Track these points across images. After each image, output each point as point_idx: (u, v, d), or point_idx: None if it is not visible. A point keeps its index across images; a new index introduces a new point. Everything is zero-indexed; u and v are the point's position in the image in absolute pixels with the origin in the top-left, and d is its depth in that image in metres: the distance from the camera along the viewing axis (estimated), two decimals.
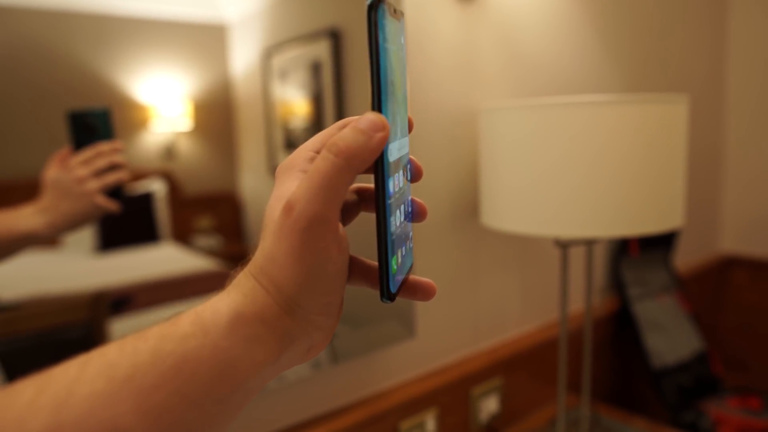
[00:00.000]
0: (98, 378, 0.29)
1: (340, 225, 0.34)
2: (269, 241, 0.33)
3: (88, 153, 0.75)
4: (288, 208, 0.32)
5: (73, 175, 0.73)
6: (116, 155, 0.76)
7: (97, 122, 0.76)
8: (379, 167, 0.33)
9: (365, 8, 0.31)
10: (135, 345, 0.31)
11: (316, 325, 0.35)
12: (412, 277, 0.39)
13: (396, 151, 0.35)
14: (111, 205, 0.75)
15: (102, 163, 0.75)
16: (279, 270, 0.33)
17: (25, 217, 0.71)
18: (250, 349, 0.32)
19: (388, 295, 0.34)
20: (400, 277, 0.36)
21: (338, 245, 0.33)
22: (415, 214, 0.41)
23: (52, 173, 0.73)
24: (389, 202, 0.33)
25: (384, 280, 0.34)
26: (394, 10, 0.34)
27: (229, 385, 0.32)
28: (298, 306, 0.33)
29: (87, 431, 0.28)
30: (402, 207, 0.37)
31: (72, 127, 0.74)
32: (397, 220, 0.35)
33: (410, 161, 0.40)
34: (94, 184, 0.74)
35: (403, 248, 0.38)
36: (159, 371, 0.30)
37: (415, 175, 0.41)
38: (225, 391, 0.32)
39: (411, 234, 0.40)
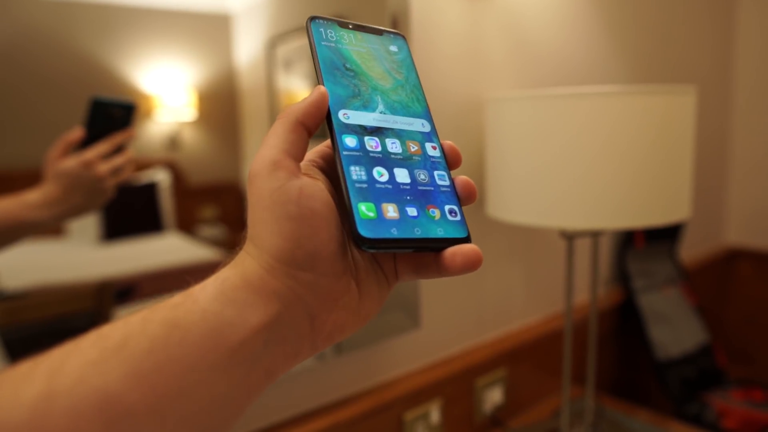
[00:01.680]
0: (91, 348, 0.29)
1: (308, 176, 0.35)
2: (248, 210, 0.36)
3: (105, 146, 0.72)
4: (249, 171, 0.35)
5: (94, 172, 0.71)
6: (130, 151, 0.74)
7: (119, 114, 0.74)
8: (329, 125, 0.38)
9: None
10: (127, 319, 0.31)
11: (303, 283, 0.33)
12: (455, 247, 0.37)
13: (368, 119, 0.39)
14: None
15: (121, 161, 0.73)
16: (254, 228, 0.34)
17: (31, 207, 0.70)
18: (239, 312, 0.32)
19: (357, 238, 0.34)
20: (394, 231, 0.35)
21: (298, 190, 0.34)
22: (462, 195, 0.39)
23: (66, 165, 0.70)
24: (345, 153, 0.36)
25: (352, 224, 0.34)
26: (353, 25, 0.42)
27: (223, 351, 0.31)
28: (276, 260, 0.33)
29: (79, 398, 0.27)
30: (404, 170, 0.38)
31: (92, 113, 0.72)
32: (377, 174, 0.37)
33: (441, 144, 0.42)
34: (112, 181, 0.73)
35: (413, 208, 0.37)
36: (149, 337, 0.30)
37: (449, 156, 0.41)
38: (220, 357, 0.31)
39: (450, 206, 0.39)
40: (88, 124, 0.72)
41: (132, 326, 0.30)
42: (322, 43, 0.40)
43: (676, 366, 1.64)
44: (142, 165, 0.80)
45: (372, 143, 0.38)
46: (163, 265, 0.83)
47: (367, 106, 0.39)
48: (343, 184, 0.36)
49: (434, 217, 0.37)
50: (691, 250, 1.98)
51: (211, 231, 0.87)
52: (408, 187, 0.38)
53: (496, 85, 1.23)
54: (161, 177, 0.84)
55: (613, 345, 1.69)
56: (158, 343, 0.30)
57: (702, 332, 1.75)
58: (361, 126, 0.38)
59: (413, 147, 0.39)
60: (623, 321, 1.70)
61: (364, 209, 0.35)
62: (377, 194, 0.36)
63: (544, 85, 1.34)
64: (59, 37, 0.73)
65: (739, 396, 1.65)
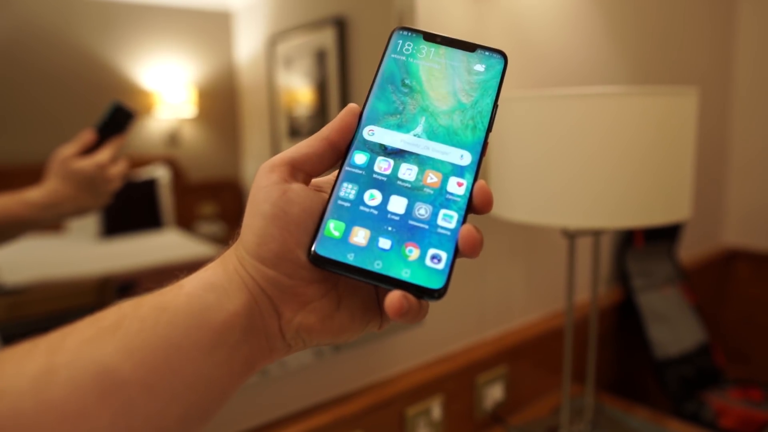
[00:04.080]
0: (88, 327, 0.31)
1: (300, 185, 0.35)
2: None
3: (114, 149, 0.70)
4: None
5: (106, 174, 0.69)
6: (124, 156, 0.73)
7: (122, 120, 0.72)
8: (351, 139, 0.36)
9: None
10: (119, 305, 0.33)
11: (266, 278, 0.34)
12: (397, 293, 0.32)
13: (395, 139, 0.35)
14: None
15: (123, 164, 0.71)
16: (242, 223, 0.35)
17: (32, 206, 0.67)
18: (218, 298, 0.33)
19: (308, 249, 0.33)
20: (350, 257, 0.32)
21: (282, 192, 0.34)
22: (460, 243, 0.32)
23: (81, 165, 0.68)
24: (346, 169, 0.35)
25: (313, 237, 0.33)
26: (442, 39, 0.37)
27: (206, 331, 0.32)
28: (247, 254, 0.34)
29: (77, 369, 0.29)
30: (403, 200, 0.34)
31: (108, 118, 0.71)
32: (368, 196, 0.34)
33: (472, 187, 0.35)
34: (116, 184, 0.71)
35: (388, 240, 0.33)
36: (140, 318, 0.31)
37: (477, 197, 0.34)
38: (204, 337, 0.32)
39: (437, 251, 0.32)
40: (101, 127, 0.70)
41: (125, 310, 0.32)
42: (392, 55, 0.37)
43: (675, 365, 1.60)
44: (142, 161, 0.78)
45: (383, 165, 0.35)
46: (163, 261, 0.80)
47: (402, 126, 0.36)
48: (329, 197, 0.34)
49: (408, 256, 0.32)
50: (689, 251, 1.93)
51: (210, 228, 0.84)
52: (396, 218, 0.33)
53: None
54: (161, 173, 0.81)
55: (613, 343, 1.65)
56: (148, 323, 0.31)
57: (700, 332, 1.70)
58: (381, 145, 0.35)
59: (431, 178, 0.34)
60: (623, 320, 1.66)
61: (331, 227, 0.33)
62: (355, 216, 0.33)
63: (546, 85, 1.30)
64: (60, 33, 0.70)
65: (736, 395, 1.60)
